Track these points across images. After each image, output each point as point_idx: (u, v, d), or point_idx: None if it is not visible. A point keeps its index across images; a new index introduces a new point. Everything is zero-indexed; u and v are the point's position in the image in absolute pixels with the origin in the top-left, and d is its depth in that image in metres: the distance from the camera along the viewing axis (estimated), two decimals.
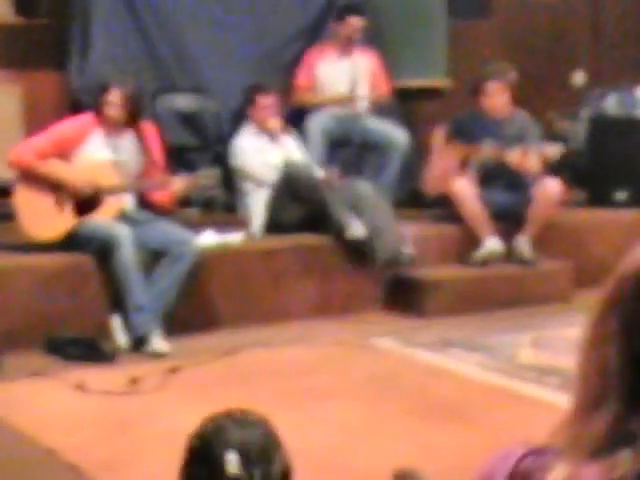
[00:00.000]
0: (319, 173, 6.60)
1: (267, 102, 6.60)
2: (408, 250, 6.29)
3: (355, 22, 7.20)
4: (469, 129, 6.72)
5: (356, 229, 6.21)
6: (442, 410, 4.62)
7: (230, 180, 6.90)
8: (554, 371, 5.08)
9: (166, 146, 6.21)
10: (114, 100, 5.73)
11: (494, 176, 6.65)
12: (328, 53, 7.27)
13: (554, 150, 6.56)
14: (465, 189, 6.55)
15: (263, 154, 6.52)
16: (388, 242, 6.22)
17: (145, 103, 6.15)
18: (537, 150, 6.53)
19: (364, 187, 6.46)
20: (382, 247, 6.21)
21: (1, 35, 7.11)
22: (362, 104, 7.19)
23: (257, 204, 6.49)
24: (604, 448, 1.02)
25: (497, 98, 6.73)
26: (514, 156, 6.52)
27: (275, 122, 6.59)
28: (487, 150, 6.62)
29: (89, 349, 5.36)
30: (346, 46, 7.24)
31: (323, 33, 7.56)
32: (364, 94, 7.18)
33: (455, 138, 6.74)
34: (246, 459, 2.16)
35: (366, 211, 6.29)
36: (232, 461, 2.15)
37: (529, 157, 6.49)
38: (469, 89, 6.91)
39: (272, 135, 6.59)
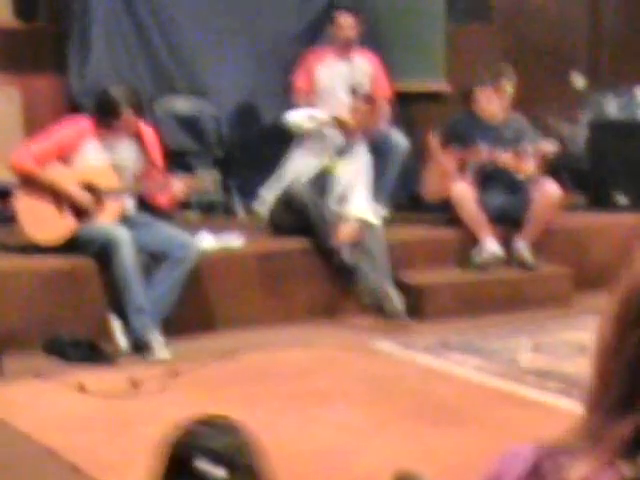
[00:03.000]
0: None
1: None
2: (396, 304, 6.11)
3: (344, 20, 7.21)
4: (464, 133, 6.73)
5: (345, 256, 6.19)
6: (441, 413, 4.62)
7: (229, 183, 6.92)
8: (554, 374, 5.08)
9: (165, 149, 6.21)
10: (130, 119, 5.75)
11: (493, 179, 6.66)
12: (327, 56, 7.28)
13: (549, 146, 6.57)
14: (464, 193, 6.56)
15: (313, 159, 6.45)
16: (375, 291, 6.15)
17: (144, 106, 6.15)
18: (532, 149, 6.53)
19: (376, 232, 6.34)
20: (368, 292, 6.17)
21: (0, 38, 7.11)
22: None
23: (270, 191, 6.44)
24: (630, 450, 1.03)
25: (489, 103, 6.73)
26: (507, 157, 6.53)
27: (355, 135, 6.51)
28: (483, 155, 6.62)
29: (89, 351, 5.37)
30: (343, 48, 7.24)
31: (322, 36, 7.58)
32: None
33: (450, 142, 6.74)
34: (217, 464, 2.15)
35: (369, 255, 6.23)
36: (203, 466, 2.14)
37: (523, 158, 6.50)
38: (461, 95, 6.92)
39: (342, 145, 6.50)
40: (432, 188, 6.85)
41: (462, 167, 6.68)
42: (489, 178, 6.66)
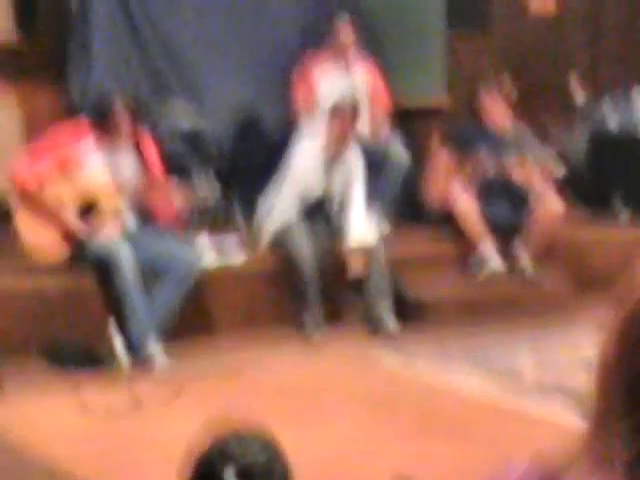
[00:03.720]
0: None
1: (346, 123, 6.35)
2: (390, 329, 6.12)
3: (340, 28, 7.22)
4: (466, 138, 6.73)
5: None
6: (443, 426, 4.61)
7: (230, 195, 6.91)
8: (555, 388, 5.06)
9: (166, 161, 6.20)
10: (119, 109, 5.73)
11: (494, 191, 6.66)
12: (326, 66, 7.28)
13: (557, 171, 6.56)
14: (466, 205, 6.55)
15: (311, 174, 6.31)
16: (375, 316, 6.15)
17: (144, 118, 6.15)
18: (540, 162, 6.53)
19: (375, 254, 6.31)
20: (369, 318, 6.17)
21: (1, 51, 7.12)
22: (364, 133, 7.22)
23: (270, 224, 6.37)
24: (635, 472, 1.02)
25: (494, 112, 6.74)
26: (517, 172, 6.52)
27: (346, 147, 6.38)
28: (488, 164, 6.62)
29: (90, 365, 5.35)
30: (343, 57, 7.24)
31: (322, 46, 7.59)
32: (366, 127, 7.21)
33: (449, 140, 6.75)
34: (247, 474, 2.14)
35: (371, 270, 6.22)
36: (231, 476, 2.13)
37: (529, 167, 6.50)
38: (467, 103, 6.92)
39: (332, 158, 6.33)
40: (434, 192, 6.83)
41: (458, 168, 6.68)
42: (492, 189, 6.65)
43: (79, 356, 5.36)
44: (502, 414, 4.80)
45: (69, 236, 5.72)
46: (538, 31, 9.01)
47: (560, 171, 6.54)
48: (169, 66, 7.35)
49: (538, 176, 6.53)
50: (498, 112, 6.75)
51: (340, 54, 7.24)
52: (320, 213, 6.37)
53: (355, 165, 6.42)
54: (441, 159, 6.75)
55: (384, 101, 7.34)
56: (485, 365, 5.55)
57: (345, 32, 7.24)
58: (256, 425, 2.30)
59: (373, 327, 6.10)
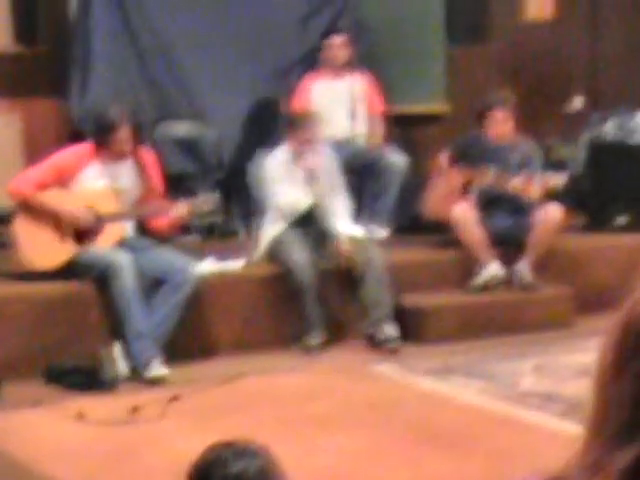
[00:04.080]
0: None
1: (308, 135, 6.28)
2: (391, 333, 6.08)
3: (333, 41, 7.25)
4: (472, 153, 6.72)
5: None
6: (443, 437, 4.60)
7: (229, 206, 6.90)
8: (556, 397, 5.05)
9: (165, 173, 6.21)
10: (125, 136, 5.73)
11: (495, 201, 6.65)
12: (322, 78, 7.30)
13: (558, 180, 6.55)
14: (466, 214, 6.55)
15: (294, 191, 6.23)
16: (373, 322, 6.11)
17: (144, 130, 6.16)
18: (540, 179, 6.52)
19: (375, 255, 6.28)
20: (367, 325, 6.16)
21: (1, 63, 7.12)
22: (360, 139, 7.23)
23: (265, 233, 6.36)
24: (631, 472, 1.02)
25: (502, 125, 6.73)
26: (517, 182, 6.51)
27: (314, 161, 6.26)
28: (490, 176, 6.61)
29: (89, 377, 5.34)
30: (338, 69, 7.27)
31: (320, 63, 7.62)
32: (363, 133, 7.22)
33: (458, 162, 6.74)
34: None
35: (365, 279, 6.21)
36: None
37: (532, 184, 6.48)
38: (474, 116, 6.89)
39: (308, 173, 6.24)
40: (433, 206, 6.83)
41: (466, 187, 6.67)
42: (492, 200, 6.65)
43: (79, 376, 5.34)
44: (500, 423, 4.78)
45: (68, 243, 5.71)
46: (536, 39, 9.02)
47: (562, 178, 6.52)
48: (169, 78, 7.35)
49: (540, 191, 6.51)
50: (506, 125, 6.74)
51: (332, 64, 7.27)
52: (311, 222, 6.36)
53: (332, 171, 6.42)
54: (450, 181, 6.72)
55: (378, 107, 7.34)
56: (483, 373, 5.54)
57: (336, 42, 7.25)
58: (251, 438, 2.30)
59: (371, 335, 6.08)
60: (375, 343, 6.05)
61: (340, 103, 7.23)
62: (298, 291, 6.03)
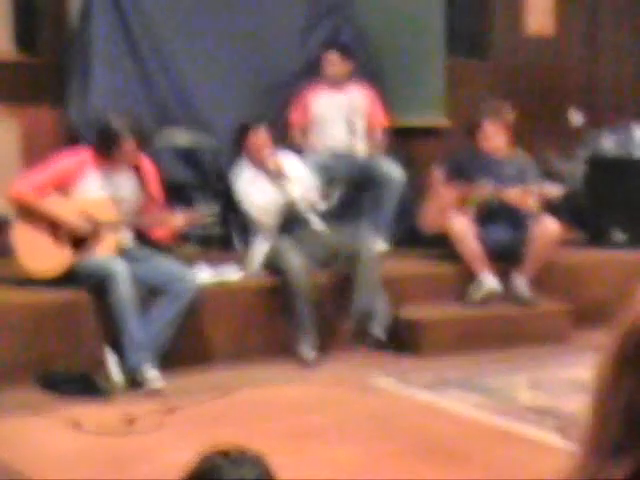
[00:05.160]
0: (322, 206, 6.55)
1: (260, 139, 6.36)
2: (378, 329, 6.17)
3: (330, 57, 7.25)
4: (467, 168, 6.72)
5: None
6: (440, 450, 4.59)
7: (228, 216, 6.90)
8: (552, 412, 5.05)
9: (165, 182, 6.20)
10: (130, 149, 5.73)
11: (492, 215, 6.65)
12: (321, 90, 7.31)
13: (555, 190, 6.56)
14: (463, 228, 6.55)
15: (263, 196, 6.28)
16: (362, 307, 6.15)
17: (144, 140, 6.15)
18: (537, 189, 6.52)
19: (365, 246, 6.33)
20: (356, 309, 6.18)
21: (1, 71, 7.13)
22: (360, 152, 7.24)
23: (258, 246, 6.39)
24: None
25: (494, 138, 6.74)
26: (514, 194, 6.52)
27: (275, 161, 6.31)
28: (486, 190, 6.61)
29: (84, 386, 5.33)
30: (336, 83, 7.28)
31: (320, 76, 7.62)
32: (362, 146, 7.21)
33: (453, 178, 6.74)
34: None
35: (358, 270, 6.22)
36: None
37: (529, 196, 6.49)
38: (465, 129, 6.92)
39: (273, 174, 6.30)
40: (430, 221, 6.84)
41: (463, 202, 6.67)
42: (489, 213, 6.65)
43: (74, 384, 5.32)
44: (496, 437, 4.78)
45: (66, 250, 5.71)
46: (536, 54, 9.04)
47: (560, 189, 6.52)
48: (169, 87, 7.35)
49: (537, 202, 6.52)
50: (499, 139, 6.75)
51: (331, 80, 7.27)
52: (299, 226, 6.38)
53: (302, 176, 6.46)
54: (445, 196, 6.73)
55: (380, 119, 7.35)
56: (480, 387, 5.53)
57: (333, 59, 7.25)
58: (246, 447, 2.29)
59: (362, 331, 6.11)
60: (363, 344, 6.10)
61: (339, 116, 7.24)
62: (294, 297, 6.02)
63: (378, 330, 6.12)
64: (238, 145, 6.48)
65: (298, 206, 6.37)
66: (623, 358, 1.06)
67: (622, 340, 1.07)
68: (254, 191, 6.31)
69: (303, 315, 6.02)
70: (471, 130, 6.79)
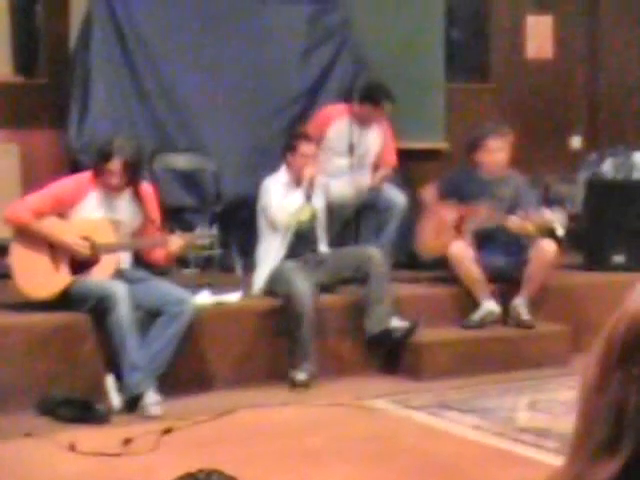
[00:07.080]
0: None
1: (309, 150, 6.34)
2: (399, 323, 6.24)
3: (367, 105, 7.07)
4: (462, 187, 6.72)
5: None
6: (439, 473, 4.57)
7: (228, 239, 6.91)
8: (551, 434, 5.03)
9: (164, 206, 6.20)
10: (115, 169, 5.69)
11: (491, 238, 6.65)
12: (343, 117, 7.14)
13: (555, 216, 6.48)
14: (462, 251, 6.54)
15: (287, 199, 6.25)
16: (378, 318, 6.18)
17: (144, 163, 6.15)
18: (539, 218, 6.47)
19: (375, 254, 6.35)
20: (372, 323, 6.18)
21: (1, 94, 7.15)
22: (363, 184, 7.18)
23: (266, 252, 6.34)
24: None
25: (497, 154, 6.73)
26: (515, 222, 6.49)
27: (312, 170, 6.28)
28: (484, 213, 6.60)
29: (82, 410, 5.30)
30: (363, 121, 7.17)
31: (324, 94, 7.61)
32: (366, 180, 7.17)
33: (447, 196, 6.74)
34: None
35: (369, 279, 6.24)
36: None
37: (529, 221, 6.47)
38: (467, 145, 6.89)
39: (305, 185, 6.26)
40: (427, 244, 6.83)
41: (460, 224, 6.66)
42: (487, 237, 6.64)
43: (73, 409, 5.30)
44: (495, 458, 4.76)
45: (64, 272, 5.70)
46: (535, 77, 9.07)
47: (561, 215, 6.50)
48: (168, 111, 7.37)
49: (535, 222, 6.50)
50: (500, 155, 6.74)
51: (362, 118, 7.12)
52: (307, 247, 6.37)
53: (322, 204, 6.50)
54: (441, 218, 6.72)
55: (392, 158, 7.30)
56: (479, 409, 5.51)
57: (370, 113, 7.11)
58: (218, 469, 2.27)
59: (377, 335, 6.19)
60: (386, 339, 6.16)
61: (349, 150, 7.14)
62: (297, 320, 6.00)
63: (395, 321, 6.21)
64: (285, 151, 6.42)
65: (318, 219, 6.38)
66: (610, 358, 1.06)
67: (608, 339, 1.07)
68: (281, 191, 6.28)
69: (305, 339, 6.00)
70: (474, 145, 6.76)
